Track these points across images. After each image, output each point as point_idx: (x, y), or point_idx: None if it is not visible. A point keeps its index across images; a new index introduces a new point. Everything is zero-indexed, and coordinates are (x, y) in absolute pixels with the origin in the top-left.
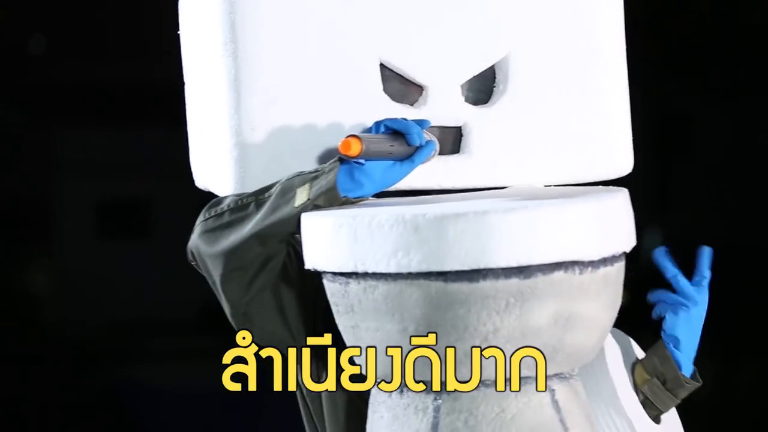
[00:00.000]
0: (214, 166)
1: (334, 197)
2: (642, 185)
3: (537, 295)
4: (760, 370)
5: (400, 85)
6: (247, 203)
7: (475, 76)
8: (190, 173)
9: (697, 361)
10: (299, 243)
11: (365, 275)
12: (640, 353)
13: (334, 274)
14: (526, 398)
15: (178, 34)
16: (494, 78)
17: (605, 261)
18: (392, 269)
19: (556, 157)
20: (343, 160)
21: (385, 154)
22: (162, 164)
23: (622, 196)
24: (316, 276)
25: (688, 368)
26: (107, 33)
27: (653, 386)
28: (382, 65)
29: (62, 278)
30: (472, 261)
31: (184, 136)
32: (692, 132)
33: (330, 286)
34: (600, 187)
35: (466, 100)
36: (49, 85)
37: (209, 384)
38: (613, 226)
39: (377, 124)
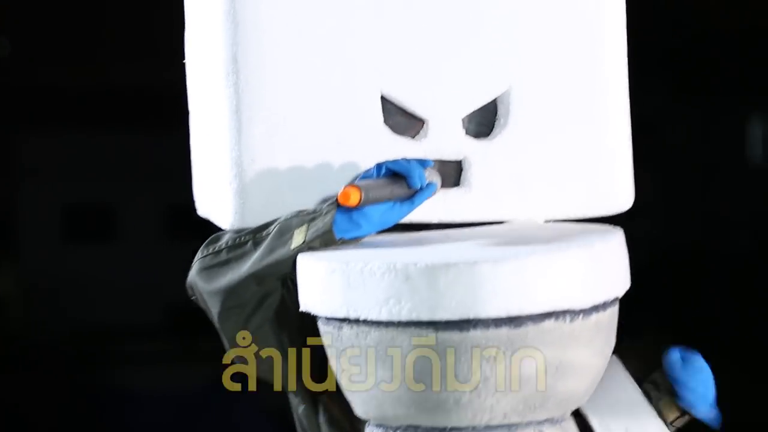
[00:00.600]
0: (215, 196)
1: (330, 240)
2: None
3: (528, 344)
4: (722, 372)
5: (401, 118)
6: (244, 241)
7: (476, 110)
8: (156, 178)
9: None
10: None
11: (357, 321)
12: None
13: (328, 318)
14: None
15: (149, 39)
16: (496, 111)
17: (597, 308)
18: (384, 317)
19: (556, 192)
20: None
21: (385, 198)
22: (127, 168)
23: (617, 239)
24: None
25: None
26: (73, 37)
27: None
28: (383, 98)
29: (27, 282)
30: (462, 311)
31: (149, 141)
32: (655, 136)
33: (324, 330)
34: (596, 226)
35: (468, 133)
36: (14, 89)
37: (174, 386)
38: (605, 271)
39: (378, 166)
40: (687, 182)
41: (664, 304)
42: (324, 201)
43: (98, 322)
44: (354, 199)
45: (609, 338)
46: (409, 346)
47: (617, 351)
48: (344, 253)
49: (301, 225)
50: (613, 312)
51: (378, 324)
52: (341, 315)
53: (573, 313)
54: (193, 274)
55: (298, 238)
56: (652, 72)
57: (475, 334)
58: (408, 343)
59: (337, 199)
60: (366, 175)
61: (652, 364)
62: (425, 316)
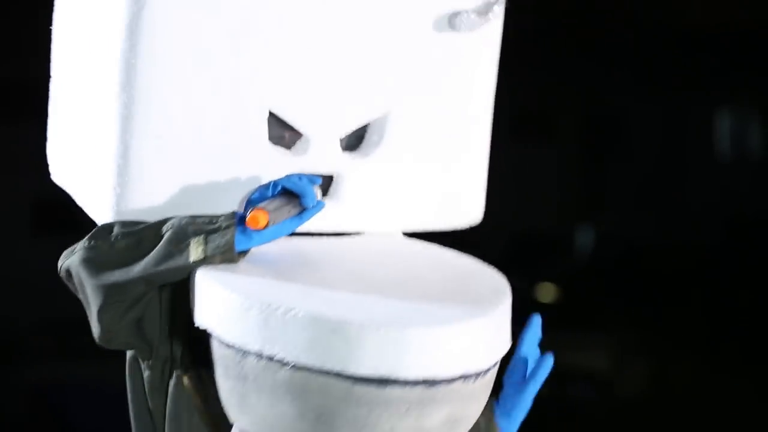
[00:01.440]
0: (91, 177)
1: (231, 258)
2: (576, 184)
3: (436, 401)
4: (692, 366)
5: (278, 129)
6: (137, 239)
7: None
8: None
9: (630, 361)
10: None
11: (270, 358)
12: None
13: (230, 344)
14: None
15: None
16: (365, 127)
17: (495, 365)
18: (301, 361)
19: (415, 206)
20: (238, 217)
21: (283, 219)
22: None
23: (508, 302)
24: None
25: None
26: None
27: None
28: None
29: None
30: (383, 370)
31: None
32: (625, 131)
33: (222, 350)
34: (477, 265)
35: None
36: None
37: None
38: (502, 334)
39: (274, 183)
40: (657, 177)
41: (634, 297)
42: (218, 215)
43: (65, 315)
44: (262, 223)
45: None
46: (321, 392)
47: (587, 344)
48: (251, 283)
49: (198, 235)
50: (497, 366)
51: (293, 366)
52: (253, 349)
53: (478, 374)
54: (74, 261)
55: (196, 251)
56: (621, 68)
57: (391, 392)
58: (322, 389)
59: (236, 217)
60: (262, 192)
61: (619, 358)
62: (345, 370)
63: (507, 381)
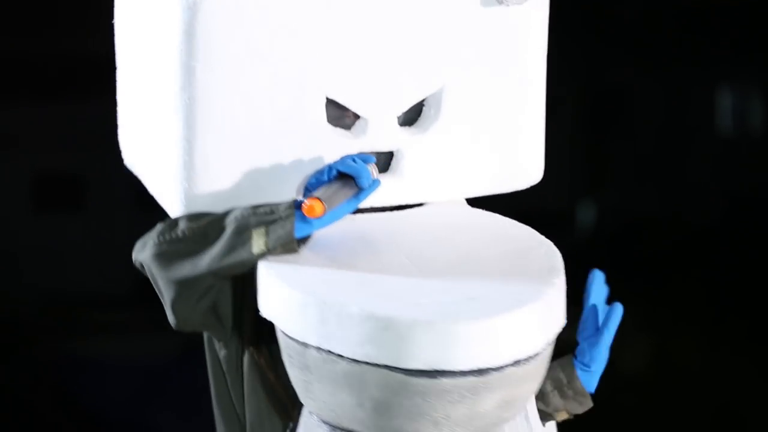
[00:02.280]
0: (159, 169)
1: (292, 249)
2: (577, 159)
3: (489, 388)
4: (693, 341)
5: (336, 110)
6: (203, 233)
7: None
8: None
9: (631, 337)
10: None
11: (328, 351)
12: None
13: (293, 337)
14: None
15: (109, 12)
16: (422, 102)
17: (549, 344)
18: (357, 356)
19: (474, 173)
20: (296, 204)
21: (339, 202)
22: (96, 138)
23: (561, 281)
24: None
25: (592, 386)
26: (33, 5)
27: (556, 395)
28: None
29: None
30: (435, 363)
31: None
32: (627, 106)
33: (286, 340)
34: (535, 238)
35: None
36: None
37: (145, 356)
38: (554, 314)
39: (329, 168)
40: (659, 152)
41: (636, 272)
42: (279, 204)
43: (68, 292)
44: (318, 212)
45: (547, 365)
46: (378, 383)
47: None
48: (310, 276)
49: (259, 226)
50: (553, 343)
51: (350, 360)
52: (312, 343)
53: (530, 357)
54: (147, 257)
55: (258, 242)
56: (620, 44)
57: (443, 382)
58: (377, 380)
59: (295, 205)
60: (318, 177)
61: (619, 332)
62: (399, 363)
63: (580, 337)
